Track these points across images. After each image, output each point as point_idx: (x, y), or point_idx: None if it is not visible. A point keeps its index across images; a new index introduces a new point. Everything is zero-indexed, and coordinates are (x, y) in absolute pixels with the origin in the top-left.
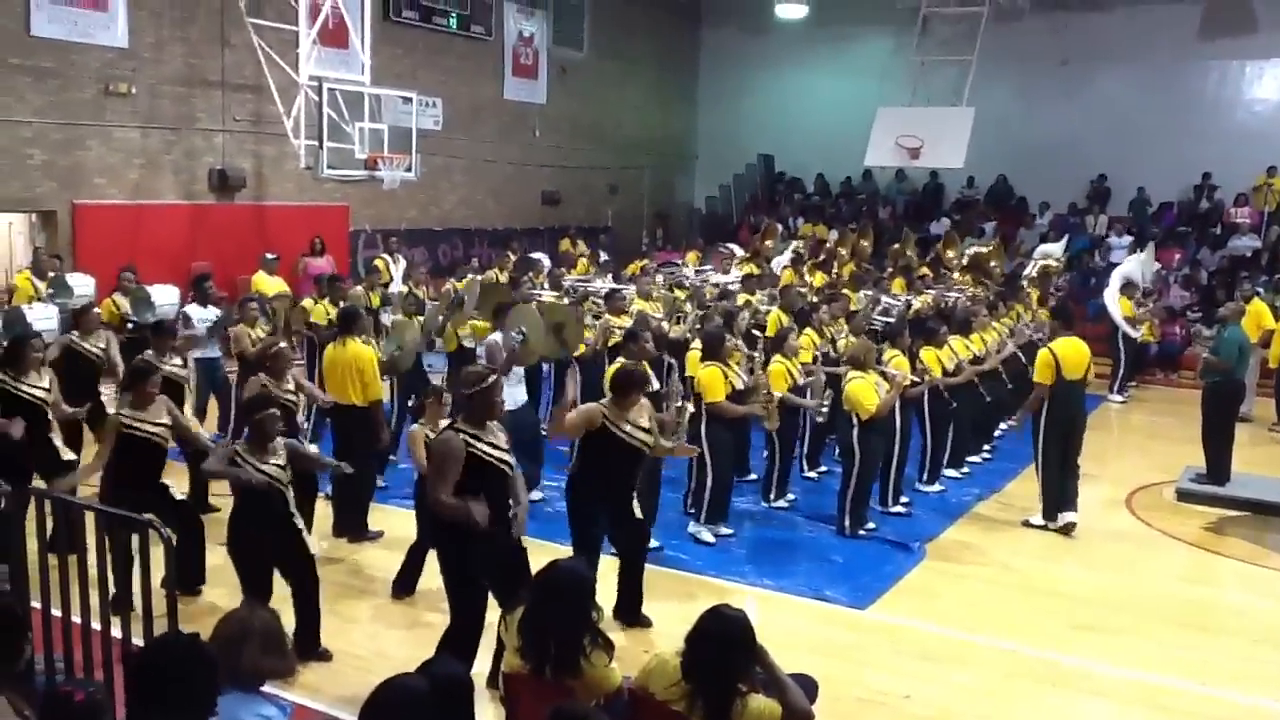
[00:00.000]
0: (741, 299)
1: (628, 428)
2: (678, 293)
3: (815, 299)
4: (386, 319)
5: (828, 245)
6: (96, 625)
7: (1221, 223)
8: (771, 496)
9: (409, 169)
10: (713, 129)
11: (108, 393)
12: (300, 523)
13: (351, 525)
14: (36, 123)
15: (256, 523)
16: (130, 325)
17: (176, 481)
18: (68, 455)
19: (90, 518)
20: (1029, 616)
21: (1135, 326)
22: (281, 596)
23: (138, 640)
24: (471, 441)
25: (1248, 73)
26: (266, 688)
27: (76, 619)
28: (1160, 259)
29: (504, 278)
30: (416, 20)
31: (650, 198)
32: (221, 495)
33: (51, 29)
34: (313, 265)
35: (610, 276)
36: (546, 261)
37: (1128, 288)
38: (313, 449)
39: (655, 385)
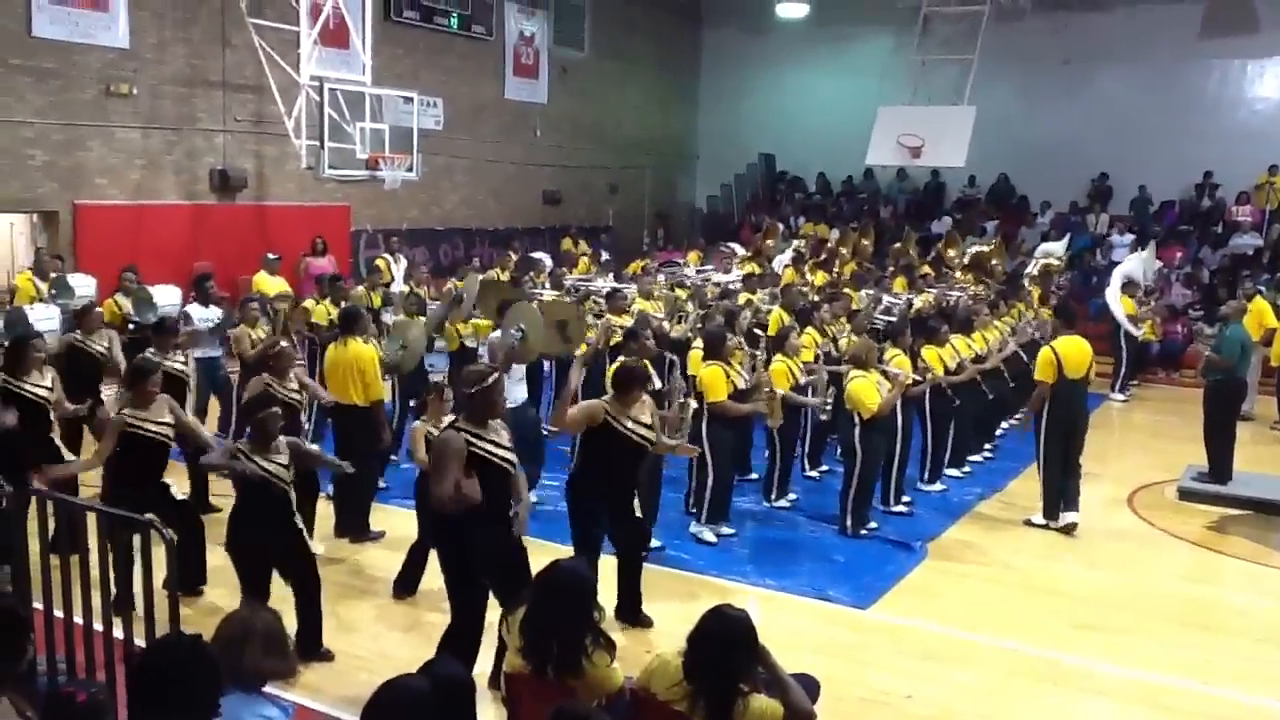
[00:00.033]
0: (743, 298)
1: (630, 423)
2: (679, 292)
3: (816, 298)
4: (388, 319)
5: (829, 244)
6: (98, 626)
7: (1223, 221)
8: (773, 496)
9: (410, 169)
10: (714, 128)
11: (109, 392)
12: (300, 523)
13: (353, 526)
14: (38, 123)
15: (258, 521)
16: (132, 326)
17: (176, 481)
18: (69, 457)
19: (92, 518)
20: (1031, 616)
21: (1137, 325)
22: (283, 597)
23: (139, 641)
24: (472, 440)
25: (1249, 72)
26: (268, 688)
27: (78, 620)
28: (1162, 257)
29: (505, 277)
30: (417, 20)
31: (651, 197)
32: (222, 495)
33: (53, 30)
34: (314, 265)
35: (611, 276)
36: (548, 261)
37: (1129, 286)
38: (314, 449)
39: (657, 384)
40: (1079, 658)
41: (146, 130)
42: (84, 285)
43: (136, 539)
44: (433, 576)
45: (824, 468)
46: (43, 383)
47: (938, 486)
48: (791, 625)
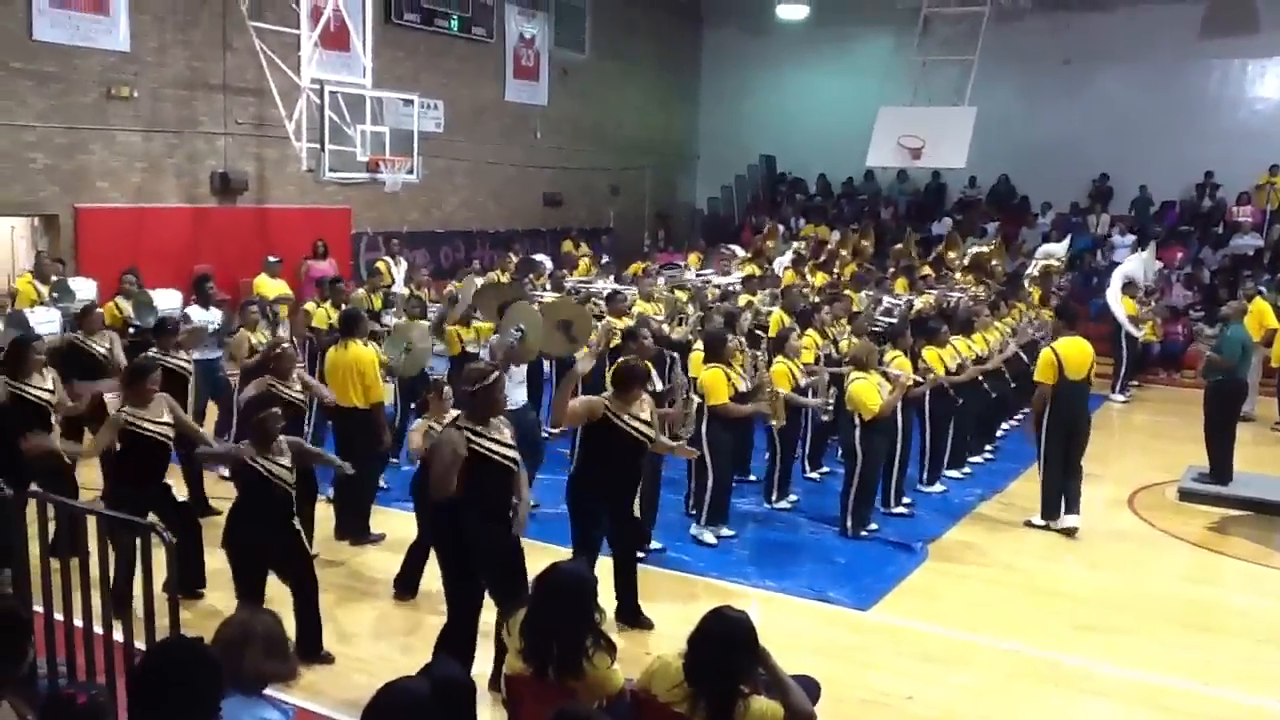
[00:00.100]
0: (743, 300)
1: (629, 420)
2: (679, 294)
3: (817, 299)
4: (389, 320)
5: (829, 246)
6: (99, 629)
7: (1224, 221)
8: (773, 497)
9: (410, 171)
10: (714, 130)
11: (109, 394)
12: (299, 524)
13: (353, 528)
14: (39, 127)
15: (257, 521)
16: (133, 329)
17: (174, 484)
18: (73, 449)
19: (92, 521)
20: (1031, 617)
21: (1138, 326)
22: (283, 599)
23: (140, 644)
24: (473, 438)
25: (1249, 72)
26: (268, 691)
27: (79, 622)
28: (1162, 258)
29: (505, 280)
30: (418, 23)
31: (652, 199)
32: (220, 498)
33: (53, 33)
34: (315, 268)
35: (612, 278)
36: (548, 263)
37: (1129, 287)
38: (316, 449)
39: (658, 385)
40: (1080, 659)
41: (147, 133)
42: (85, 288)
43: (136, 540)
44: (433, 579)
45: (824, 469)
46: (44, 385)
47: (938, 488)
48: (792, 627)
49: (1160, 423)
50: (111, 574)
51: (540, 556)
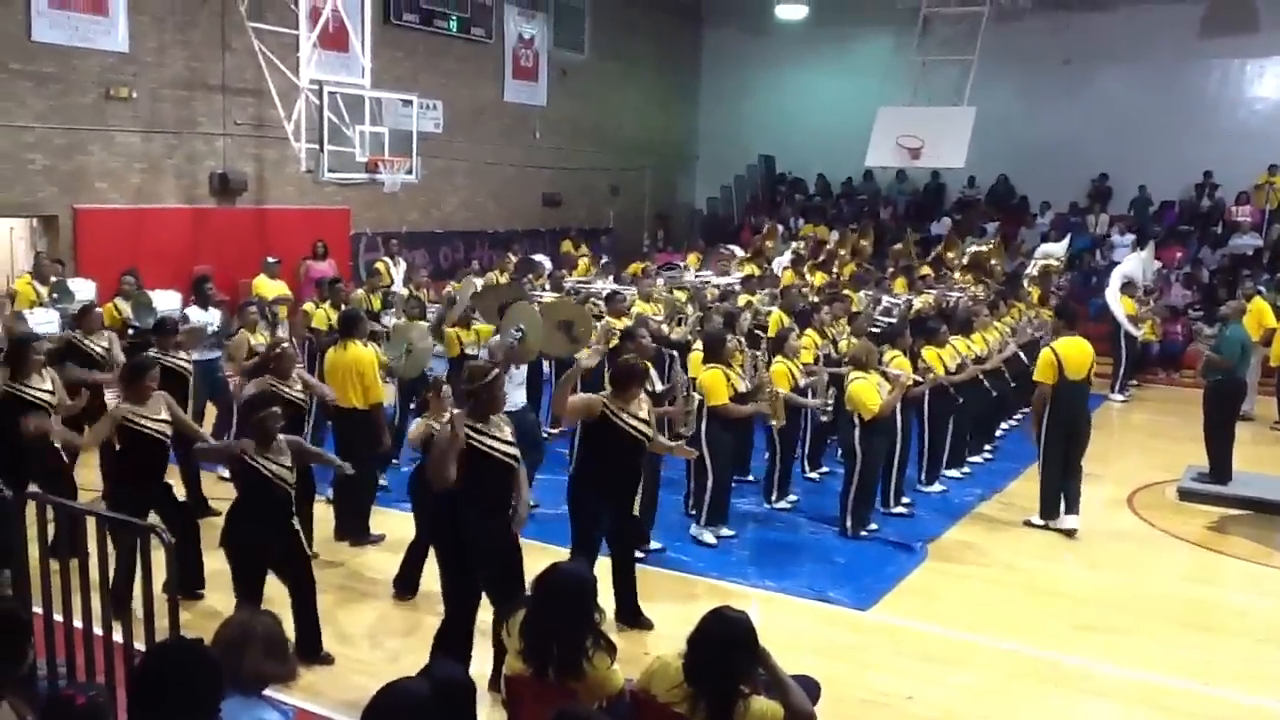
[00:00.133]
0: (743, 300)
1: (628, 418)
2: (678, 294)
3: (816, 299)
4: (388, 321)
5: (828, 246)
6: (98, 630)
7: (1223, 221)
8: (773, 498)
9: (410, 172)
10: (714, 130)
11: (109, 393)
12: (298, 524)
13: (353, 528)
14: (38, 128)
15: (257, 521)
16: (132, 330)
17: (174, 484)
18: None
19: (91, 522)
20: (1031, 617)
21: (1137, 325)
22: (282, 600)
23: (139, 645)
24: (473, 435)
25: (1249, 71)
26: (268, 691)
27: (78, 623)
28: (1161, 258)
29: (505, 280)
30: (417, 23)
31: (651, 199)
32: (219, 499)
33: (52, 34)
34: (315, 269)
35: (611, 278)
36: (548, 263)
37: (1128, 286)
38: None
39: (658, 385)
40: (1079, 659)
41: (146, 134)
42: (84, 289)
43: (136, 541)
44: (432, 579)
45: (824, 469)
46: (44, 386)
47: (937, 487)
48: (792, 627)
49: (1159, 422)
50: (111, 575)
51: (540, 556)
